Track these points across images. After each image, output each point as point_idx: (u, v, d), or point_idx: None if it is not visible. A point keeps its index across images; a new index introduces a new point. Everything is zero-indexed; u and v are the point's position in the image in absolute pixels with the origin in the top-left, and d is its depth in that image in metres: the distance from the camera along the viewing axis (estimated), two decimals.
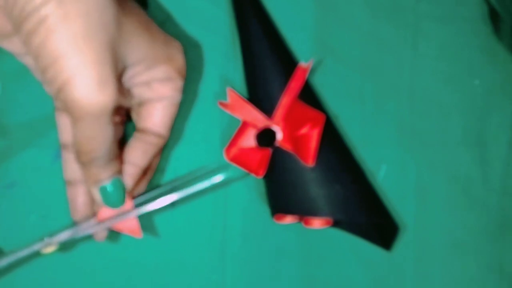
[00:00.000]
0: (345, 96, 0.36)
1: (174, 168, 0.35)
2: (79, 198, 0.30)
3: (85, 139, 0.24)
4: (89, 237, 0.33)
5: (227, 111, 0.34)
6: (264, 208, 0.35)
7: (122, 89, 0.26)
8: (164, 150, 0.35)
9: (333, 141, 0.34)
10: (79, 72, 0.22)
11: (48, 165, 0.33)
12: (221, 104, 0.34)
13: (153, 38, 0.27)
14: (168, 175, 0.35)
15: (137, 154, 0.29)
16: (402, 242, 0.36)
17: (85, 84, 0.22)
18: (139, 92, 0.28)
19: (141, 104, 0.29)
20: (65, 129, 0.29)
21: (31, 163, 0.34)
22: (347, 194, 0.33)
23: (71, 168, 0.30)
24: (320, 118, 0.32)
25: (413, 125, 0.37)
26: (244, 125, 0.34)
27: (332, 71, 0.36)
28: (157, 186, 0.35)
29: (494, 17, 0.38)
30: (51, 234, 0.31)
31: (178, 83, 0.29)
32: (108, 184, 0.27)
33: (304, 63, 0.34)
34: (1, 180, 0.33)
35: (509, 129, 0.38)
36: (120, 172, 0.28)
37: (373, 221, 0.35)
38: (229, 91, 0.34)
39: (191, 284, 0.35)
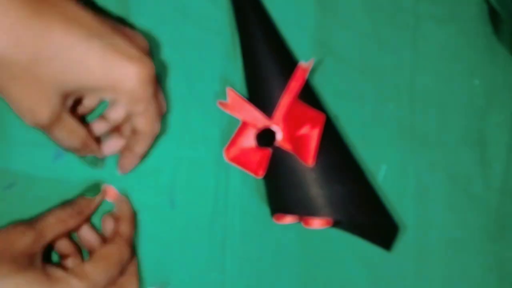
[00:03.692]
0: (345, 96, 0.36)
1: (174, 168, 0.35)
2: None
3: (57, 139, 0.30)
4: None
5: (227, 111, 0.34)
6: (264, 208, 0.35)
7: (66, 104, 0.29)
8: (164, 150, 0.35)
9: (333, 141, 0.34)
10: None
11: (48, 165, 0.33)
12: (221, 104, 0.34)
13: (87, 70, 0.27)
14: (168, 175, 0.35)
15: (136, 146, 0.32)
16: (402, 242, 0.36)
17: (23, 115, 0.28)
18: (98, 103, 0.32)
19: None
20: None
21: (31, 163, 0.33)
22: (347, 194, 0.33)
23: None
24: (320, 118, 0.32)
25: (413, 125, 0.37)
26: (244, 125, 0.34)
27: (332, 71, 0.36)
28: (157, 185, 0.35)
29: (494, 17, 0.38)
30: None
31: (135, 104, 0.29)
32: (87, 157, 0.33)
33: (304, 63, 0.34)
34: (1, 180, 0.33)
35: (509, 129, 0.38)
36: (95, 151, 0.32)
37: (373, 221, 0.35)
38: (229, 91, 0.34)
39: (191, 283, 0.35)
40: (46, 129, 0.28)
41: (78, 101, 0.31)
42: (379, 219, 0.34)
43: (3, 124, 0.33)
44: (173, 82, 0.35)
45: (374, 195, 0.35)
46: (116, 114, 0.31)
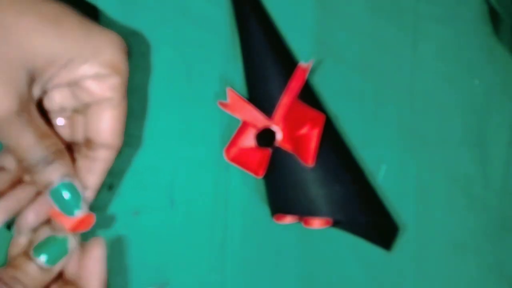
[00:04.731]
0: (345, 96, 0.36)
1: (174, 168, 0.35)
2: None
3: (11, 144, 0.23)
4: None
5: (227, 111, 0.34)
6: (264, 208, 0.35)
7: (35, 91, 0.24)
8: (164, 150, 0.35)
9: (333, 141, 0.34)
10: None
11: None
12: (221, 104, 0.34)
13: (64, 34, 0.23)
14: (168, 175, 0.35)
15: (85, 176, 0.26)
16: (402, 242, 0.36)
17: None
18: (69, 96, 0.26)
19: (78, 111, 0.27)
20: None
21: None
22: (347, 194, 0.33)
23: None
24: (320, 118, 0.32)
25: (413, 125, 0.37)
26: (244, 125, 0.34)
27: (332, 71, 0.36)
28: (157, 185, 0.35)
29: (494, 17, 0.38)
30: None
31: (112, 81, 0.25)
32: (57, 186, 0.25)
33: (304, 63, 0.34)
34: None
35: (509, 129, 0.38)
36: (71, 174, 0.25)
37: (373, 221, 0.35)
38: (229, 91, 0.34)
39: (191, 283, 0.35)
40: (12, 124, 0.22)
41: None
42: (379, 219, 0.34)
43: None
44: (173, 82, 0.35)
45: (374, 195, 0.35)
46: (83, 72, 0.25)
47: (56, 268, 0.25)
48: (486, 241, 0.37)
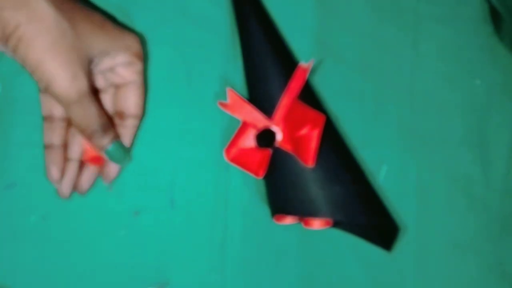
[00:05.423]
0: (345, 96, 0.36)
1: (174, 168, 0.35)
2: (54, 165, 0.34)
3: (79, 118, 0.31)
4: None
5: (227, 111, 0.34)
6: (264, 209, 0.35)
7: (91, 76, 0.32)
8: (164, 150, 0.35)
9: (333, 142, 0.34)
10: (56, 73, 0.29)
11: None
12: (221, 104, 0.34)
13: (108, 33, 0.32)
14: (168, 175, 0.35)
15: (123, 139, 0.34)
16: (402, 243, 0.36)
17: (62, 82, 0.29)
18: (107, 77, 0.33)
19: (110, 91, 0.34)
20: (45, 104, 0.34)
21: (31, 163, 0.34)
22: (347, 194, 0.33)
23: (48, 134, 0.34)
24: (320, 119, 0.32)
25: (414, 125, 0.37)
26: (244, 126, 0.34)
27: (332, 71, 0.36)
28: (157, 185, 0.35)
29: (494, 17, 0.38)
30: None
31: (138, 66, 0.33)
32: (110, 147, 0.32)
33: (304, 63, 0.34)
34: (1, 180, 0.33)
35: (509, 129, 0.38)
36: (118, 136, 0.33)
37: (373, 222, 0.34)
38: (229, 91, 0.34)
39: (191, 283, 0.35)
40: (83, 101, 0.30)
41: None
42: (380, 219, 0.34)
43: (3, 124, 0.33)
44: (173, 82, 0.35)
45: (375, 195, 0.35)
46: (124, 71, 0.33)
47: None
48: (487, 241, 0.37)
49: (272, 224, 0.35)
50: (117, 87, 0.34)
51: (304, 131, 0.32)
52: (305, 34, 0.36)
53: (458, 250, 0.37)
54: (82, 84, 0.30)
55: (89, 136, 0.32)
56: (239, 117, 0.34)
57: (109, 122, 0.33)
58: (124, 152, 0.33)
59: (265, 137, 0.34)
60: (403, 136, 0.37)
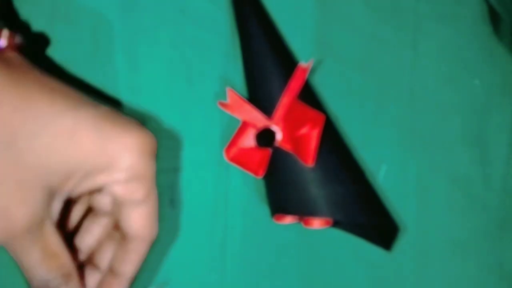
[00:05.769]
0: (345, 96, 0.36)
1: (174, 168, 0.35)
2: None
3: (19, 261, 0.23)
4: None
5: (227, 111, 0.34)
6: (264, 208, 0.35)
7: (51, 210, 0.23)
8: (163, 150, 0.35)
9: (333, 142, 0.34)
10: None
11: None
12: (221, 104, 0.34)
13: (77, 149, 0.22)
14: (168, 175, 0.35)
15: (120, 265, 0.26)
16: (402, 243, 0.36)
17: None
18: (95, 199, 0.25)
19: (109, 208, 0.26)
20: None
21: None
22: (347, 194, 0.33)
23: None
24: (320, 118, 0.32)
25: (413, 125, 0.37)
26: (244, 125, 0.34)
27: (332, 71, 0.36)
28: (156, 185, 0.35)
29: (494, 17, 0.38)
30: None
31: (135, 184, 0.24)
32: None
33: (304, 63, 0.34)
34: None
35: (509, 129, 0.38)
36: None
37: (373, 222, 0.34)
38: (229, 91, 0.34)
39: (191, 283, 0.35)
40: (18, 242, 0.21)
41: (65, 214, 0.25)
42: (379, 219, 0.34)
43: None
44: (173, 82, 0.35)
45: (374, 195, 0.35)
46: (103, 203, 0.24)
47: None
48: (486, 241, 0.37)
49: (272, 224, 0.35)
50: (116, 205, 0.25)
51: (304, 130, 0.32)
52: (305, 34, 0.36)
53: (458, 249, 0.37)
54: (16, 221, 0.21)
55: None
56: (239, 116, 0.34)
57: (68, 276, 0.24)
58: None
59: (265, 137, 0.34)
60: (403, 135, 0.37)
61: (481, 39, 0.38)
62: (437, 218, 0.37)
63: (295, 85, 0.33)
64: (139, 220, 0.24)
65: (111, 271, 0.26)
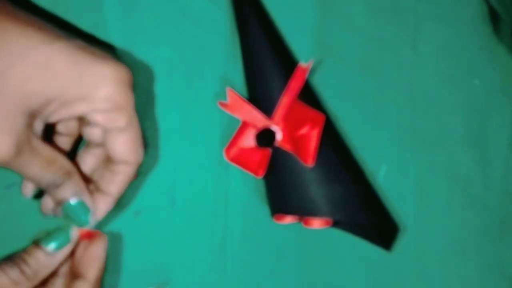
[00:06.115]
0: (345, 96, 0.36)
1: (174, 168, 0.35)
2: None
3: (24, 174, 0.25)
4: None
5: (227, 111, 0.34)
6: (264, 208, 0.35)
7: (34, 129, 0.25)
8: (163, 151, 0.35)
9: (333, 142, 0.34)
10: None
11: None
12: (221, 104, 0.34)
13: (56, 77, 0.23)
14: (168, 175, 0.35)
15: (107, 185, 0.28)
16: (402, 242, 0.36)
17: None
18: (76, 124, 0.27)
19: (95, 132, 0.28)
20: None
21: None
22: (347, 194, 0.33)
23: None
24: (320, 118, 0.32)
25: (413, 125, 0.37)
26: (244, 125, 0.34)
27: (332, 71, 0.36)
28: (157, 185, 0.35)
29: (494, 17, 0.38)
30: None
31: (114, 113, 0.25)
32: (70, 203, 0.27)
33: (304, 63, 0.34)
34: (1, 181, 0.33)
35: (509, 129, 0.38)
36: (80, 192, 0.27)
37: (373, 222, 0.34)
38: (229, 91, 0.34)
39: (191, 283, 0.35)
40: (13, 163, 0.24)
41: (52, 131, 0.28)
42: (379, 219, 0.34)
43: None
44: (173, 82, 0.35)
45: (374, 195, 0.35)
46: (93, 135, 0.26)
47: (59, 256, 0.28)
48: (486, 241, 0.37)
49: (272, 224, 0.35)
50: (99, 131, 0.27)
51: (304, 130, 0.32)
52: (305, 34, 0.36)
53: (458, 249, 0.37)
54: (2, 150, 0.23)
55: (44, 188, 0.26)
56: (239, 116, 0.34)
57: (69, 173, 0.26)
58: (85, 213, 0.27)
59: (265, 137, 0.34)
60: (403, 135, 0.37)
61: (481, 39, 0.38)
62: (437, 218, 0.37)
63: (295, 85, 0.33)
64: (124, 145, 0.26)
65: (99, 190, 0.28)
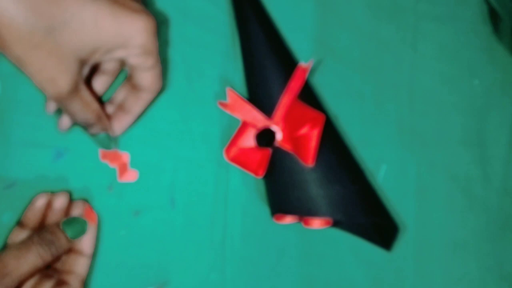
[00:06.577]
0: (345, 96, 0.36)
1: (174, 168, 0.35)
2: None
3: (69, 113, 0.31)
4: None
5: (227, 111, 0.34)
6: (264, 208, 0.35)
7: (82, 75, 0.30)
8: (164, 150, 0.35)
9: (333, 141, 0.34)
10: (34, 79, 0.28)
11: (48, 165, 0.33)
12: (221, 104, 0.34)
13: (100, 31, 0.29)
14: (168, 175, 0.35)
15: (131, 105, 0.34)
16: (402, 242, 0.36)
17: (41, 85, 0.29)
18: (116, 65, 0.33)
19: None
20: None
21: (31, 163, 0.33)
22: (347, 194, 0.33)
23: None
24: (320, 118, 0.32)
25: (413, 125, 0.37)
26: (244, 125, 0.34)
27: (332, 71, 0.36)
28: (157, 185, 0.35)
29: (493, 17, 0.38)
30: None
31: (145, 57, 0.31)
32: (99, 136, 0.34)
33: (304, 63, 0.34)
34: (1, 180, 0.33)
35: (508, 129, 0.38)
36: (106, 130, 0.33)
37: (373, 221, 0.35)
38: (229, 91, 0.34)
39: (191, 283, 0.35)
40: (65, 100, 0.30)
41: (90, 75, 0.33)
42: (379, 219, 0.34)
43: (3, 124, 0.33)
44: (173, 82, 0.35)
45: (374, 195, 0.35)
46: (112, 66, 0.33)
47: (75, 243, 0.33)
48: (486, 241, 0.37)
49: (271, 224, 0.35)
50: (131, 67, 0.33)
51: (304, 130, 0.32)
52: (305, 34, 0.36)
53: (457, 249, 0.37)
54: (62, 87, 0.29)
55: (82, 126, 0.32)
56: (239, 116, 0.34)
57: (100, 117, 0.32)
58: (110, 141, 0.34)
59: (265, 137, 0.34)
60: (403, 135, 0.37)
61: (481, 39, 0.38)
62: (437, 218, 0.37)
63: (295, 85, 0.33)
64: (150, 79, 0.32)
65: (123, 109, 0.34)
